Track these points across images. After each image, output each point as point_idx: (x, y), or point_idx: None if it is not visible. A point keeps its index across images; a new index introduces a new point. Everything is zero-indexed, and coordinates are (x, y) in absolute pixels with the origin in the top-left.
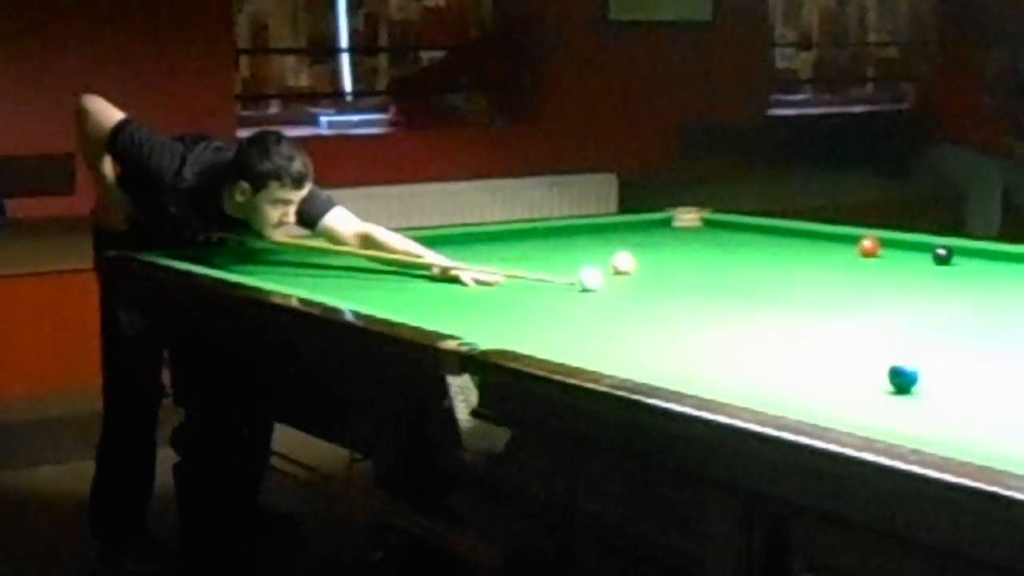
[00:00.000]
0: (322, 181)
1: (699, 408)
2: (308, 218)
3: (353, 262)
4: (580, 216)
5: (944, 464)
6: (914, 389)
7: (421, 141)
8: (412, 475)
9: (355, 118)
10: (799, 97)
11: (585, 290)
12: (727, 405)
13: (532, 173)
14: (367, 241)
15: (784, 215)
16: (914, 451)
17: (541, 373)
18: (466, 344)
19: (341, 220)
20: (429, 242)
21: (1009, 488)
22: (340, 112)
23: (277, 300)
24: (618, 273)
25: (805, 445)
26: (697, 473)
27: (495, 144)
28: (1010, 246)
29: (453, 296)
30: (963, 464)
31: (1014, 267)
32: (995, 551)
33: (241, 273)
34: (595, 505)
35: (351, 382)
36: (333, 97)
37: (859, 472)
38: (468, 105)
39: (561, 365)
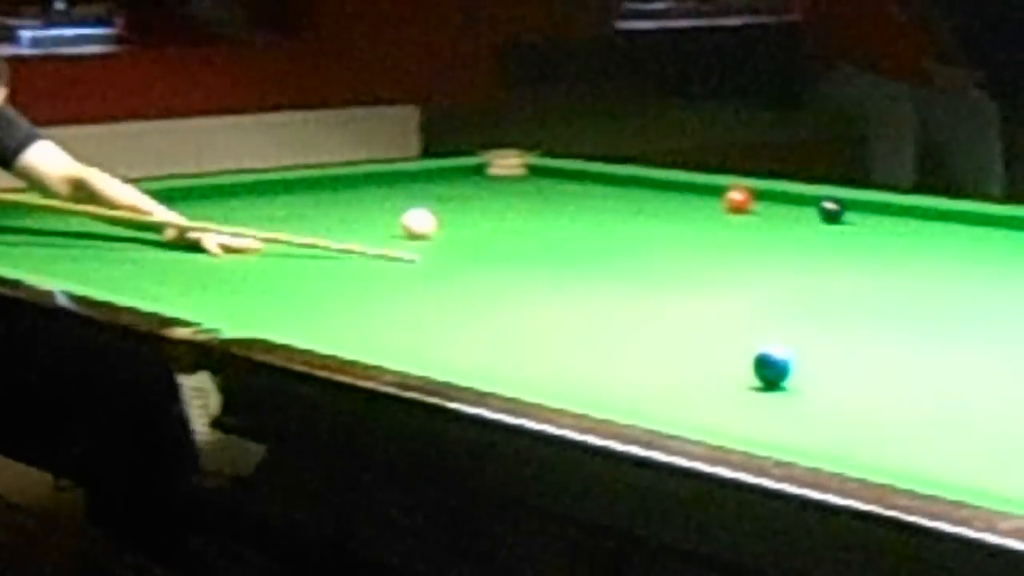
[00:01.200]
0: (28, 114)
1: (503, 411)
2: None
3: (59, 221)
4: (369, 161)
5: (818, 480)
6: (785, 383)
7: (157, 63)
8: (135, 506)
9: (68, 32)
10: (656, 6)
11: (414, 237)
12: (539, 407)
13: (307, 105)
14: (80, 190)
15: (633, 160)
16: (779, 464)
17: (301, 369)
18: (205, 331)
19: (47, 158)
20: (165, 196)
21: (902, 511)
22: (48, 25)
23: None
24: (412, 236)
25: (640, 458)
26: (506, 497)
27: (257, 67)
28: (920, 198)
29: (195, 269)
30: (843, 480)
31: (925, 226)
32: None
33: None
34: (376, 541)
35: (55, 385)
36: (38, 5)
37: (711, 492)
38: (220, 14)
39: (329, 358)
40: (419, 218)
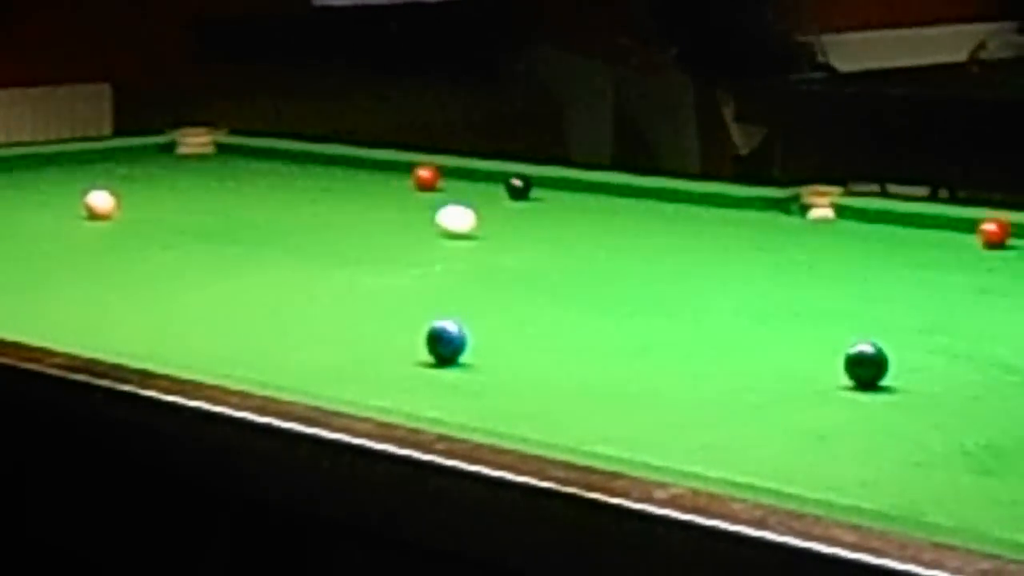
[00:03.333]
0: None
1: (170, 391)
2: None
3: None
4: (53, 141)
5: (477, 454)
6: (460, 358)
7: None
8: None
9: None
10: None
11: (96, 217)
12: (208, 387)
13: None
14: None
15: (325, 138)
16: (442, 437)
17: None
18: None
19: None
20: None
21: (559, 482)
22: None
23: None
24: (95, 217)
25: (304, 435)
26: (173, 477)
27: None
28: (614, 175)
29: None
30: (500, 452)
31: (619, 202)
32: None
33: None
34: (47, 526)
35: None
36: None
37: (375, 469)
38: None
39: None
40: (100, 198)
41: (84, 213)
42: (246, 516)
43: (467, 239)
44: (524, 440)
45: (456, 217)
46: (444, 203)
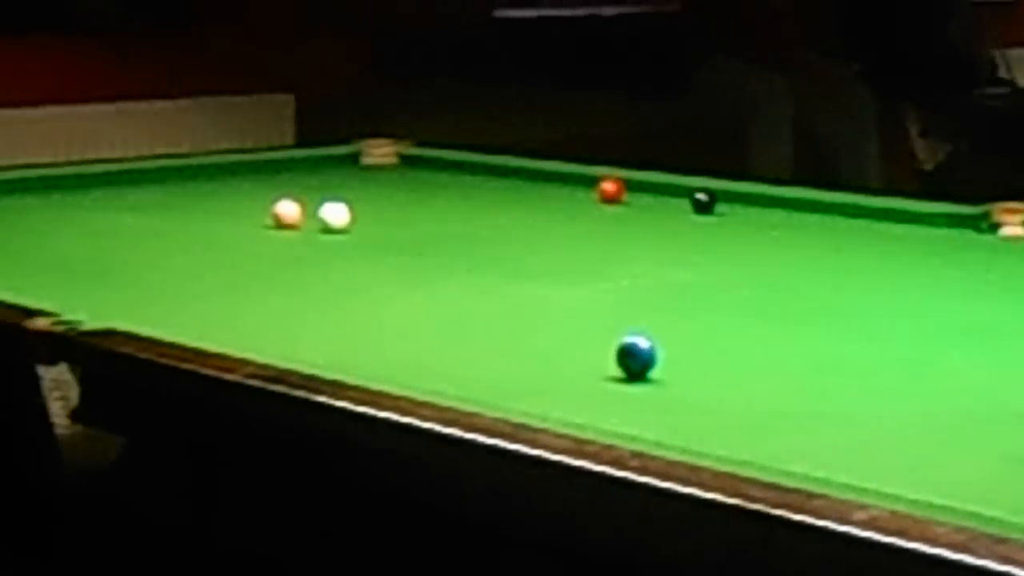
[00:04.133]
0: None
1: (362, 402)
2: None
3: None
4: (242, 150)
5: (672, 471)
6: (650, 374)
7: (27, 51)
8: None
9: None
10: None
11: (328, 231)
12: (401, 398)
13: (182, 94)
14: None
15: (510, 149)
16: (637, 454)
17: (152, 359)
18: (63, 322)
19: None
20: (38, 184)
21: (755, 501)
22: None
23: None
24: (282, 226)
25: (498, 449)
26: (369, 489)
27: (132, 55)
28: (796, 190)
29: (55, 257)
30: (696, 470)
31: (801, 217)
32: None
33: None
34: (237, 534)
35: None
36: None
37: (568, 484)
38: (94, 3)
39: (182, 349)
40: (287, 208)
41: (271, 222)
42: (436, 528)
43: (659, 253)
44: (718, 457)
45: (334, 213)
46: (629, 216)
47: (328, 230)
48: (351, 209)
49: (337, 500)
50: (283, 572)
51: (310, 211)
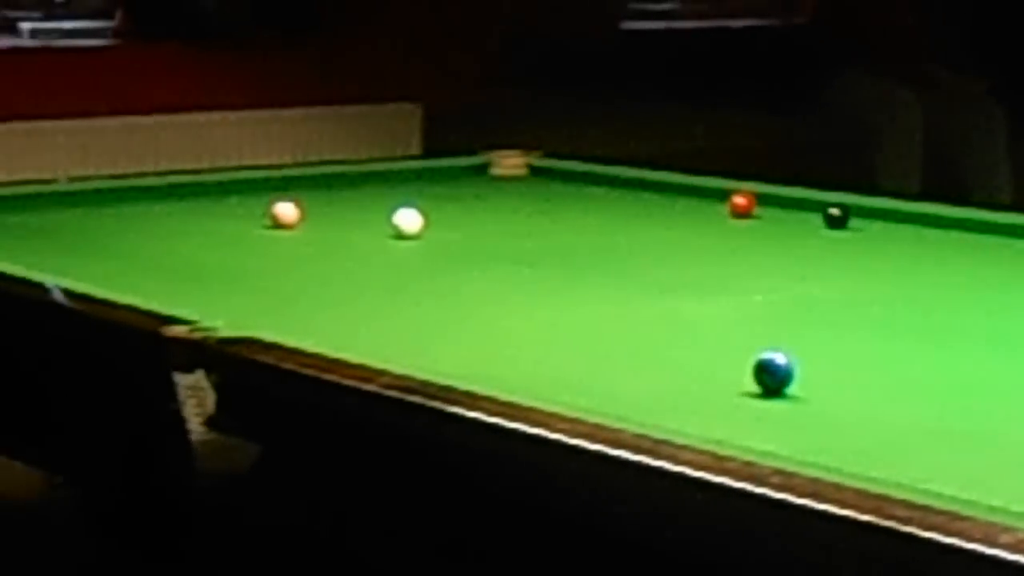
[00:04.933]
0: (25, 106)
1: (500, 415)
2: None
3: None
4: (371, 160)
5: (816, 489)
6: (787, 390)
7: (156, 57)
8: (130, 506)
9: (68, 25)
10: (663, 7)
11: (401, 236)
12: (535, 411)
13: (308, 102)
14: None
15: (637, 161)
16: (778, 471)
17: (292, 368)
18: (200, 329)
19: None
20: (164, 192)
21: (900, 521)
22: (48, 16)
23: None
24: (401, 236)
25: (640, 465)
26: (504, 501)
27: (259, 63)
28: (926, 205)
29: (192, 264)
30: (840, 490)
31: (930, 232)
32: None
33: None
34: (371, 544)
35: (49, 382)
36: None
37: (708, 501)
38: (223, 10)
39: (321, 358)
40: (407, 217)
41: (391, 232)
42: (570, 542)
43: (792, 268)
44: (860, 476)
45: (407, 219)
46: (761, 230)
47: (401, 236)
48: (424, 216)
49: (471, 513)
50: None
51: (432, 220)
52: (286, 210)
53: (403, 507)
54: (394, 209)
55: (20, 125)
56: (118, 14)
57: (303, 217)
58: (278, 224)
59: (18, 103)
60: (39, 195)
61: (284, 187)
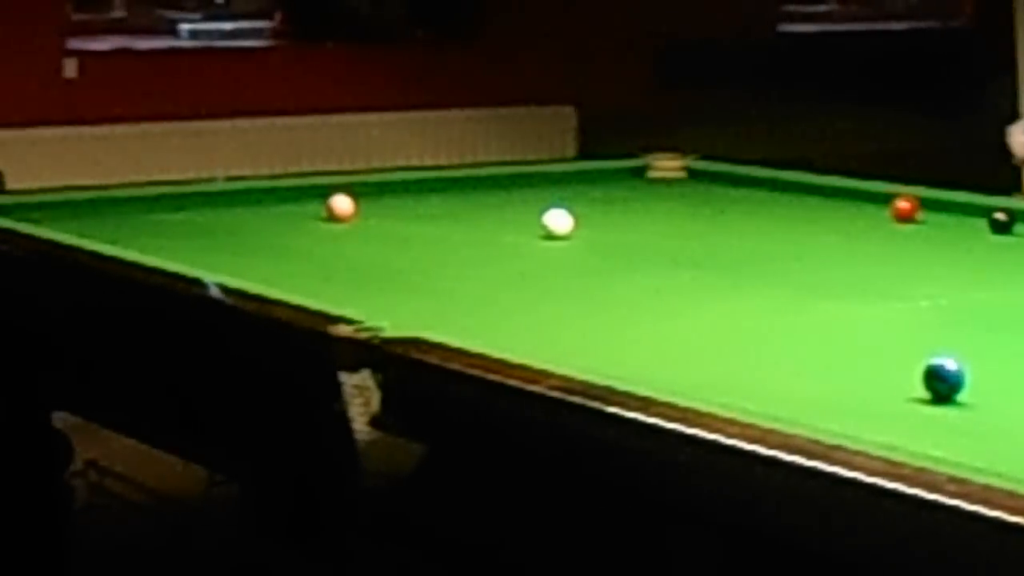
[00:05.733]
0: (184, 107)
1: (672, 419)
2: None
3: (218, 215)
4: (526, 162)
5: (991, 497)
6: (958, 396)
7: (314, 59)
8: (292, 504)
9: (227, 26)
10: (820, 8)
11: (551, 237)
12: (708, 415)
13: (465, 104)
14: None
15: (795, 164)
16: (953, 479)
17: (458, 369)
18: (365, 329)
19: None
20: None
21: None
22: (207, 17)
23: (116, 270)
24: (551, 236)
25: (813, 471)
26: (665, 504)
27: (416, 65)
28: None
29: (357, 264)
30: (1013, 495)
31: None
32: None
33: (69, 230)
34: (533, 545)
35: (211, 380)
36: None
37: (881, 507)
38: (380, 11)
39: (487, 359)
40: (558, 218)
41: (542, 232)
42: (741, 545)
43: (958, 273)
44: None
45: (557, 220)
46: (925, 235)
47: (551, 236)
48: (574, 217)
49: (639, 516)
50: None
51: (588, 223)
52: (342, 203)
53: (569, 510)
54: (544, 210)
55: (180, 125)
56: (276, 15)
57: (357, 212)
58: (333, 217)
59: (178, 103)
60: (198, 194)
61: (441, 188)
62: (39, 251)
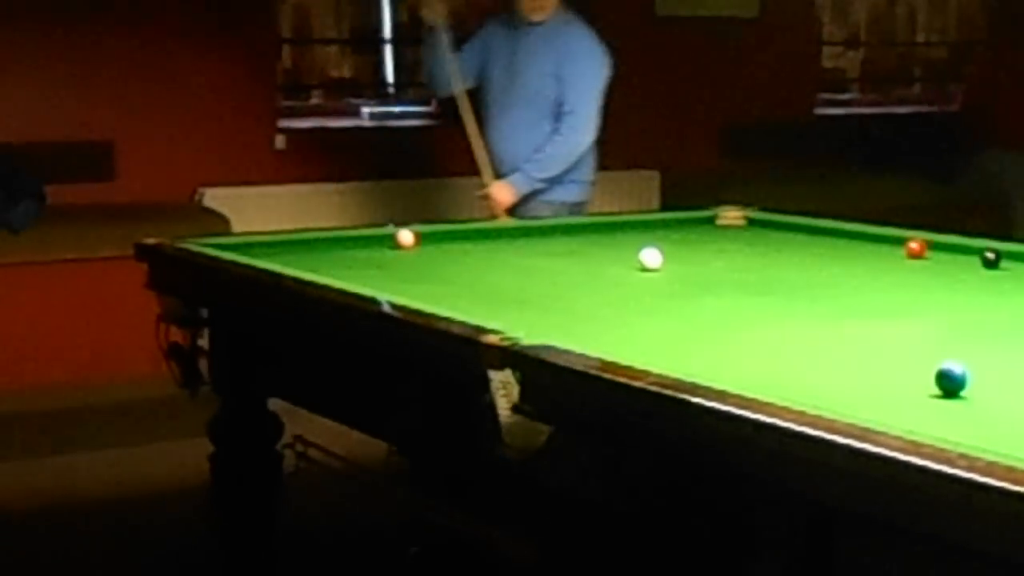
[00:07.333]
0: (364, 171)
1: (742, 407)
2: None
3: (399, 257)
4: (623, 213)
5: (992, 469)
6: (962, 393)
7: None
8: (451, 470)
9: (397, 109)
10: (846, 96)
11: (645, 270)
12: (770, 404)
13: None
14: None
15: (830, 215)
16: (962, 455)
17: (580, 369)
18: (508, 339)
19: None
20: (472, 235)
21: None
22: (382, 103)
23: (315, 291)
24: (645, 269)
25: (852, 448)
26: (739, 474)
27: None
28: None
29: (496, 287)
30: (1011, 469)
31: None
32: None
33: (280, 262)
34: (632, 504)
35: (391, 375)
36: (375, 88)
37: (906, 477)
38: None
39: (601, 361)
40: (651, 255)
41: (638, 265)
42: (791, 511)
43: (959, 298)
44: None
45: (650, 257)
46: (931, 269)
47: (645, 269)
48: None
49: (715, 488)
50: (661, 533)
51: (673, 259)
52: (405, 236)
53: (661, 476)
54: (640, 249)
55: (362, 184)
56: (433, 101)
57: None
58: (399, 246)
59: (361, 168)
60: (375, 236)
61: (559, 234)
62: (257, 277)
